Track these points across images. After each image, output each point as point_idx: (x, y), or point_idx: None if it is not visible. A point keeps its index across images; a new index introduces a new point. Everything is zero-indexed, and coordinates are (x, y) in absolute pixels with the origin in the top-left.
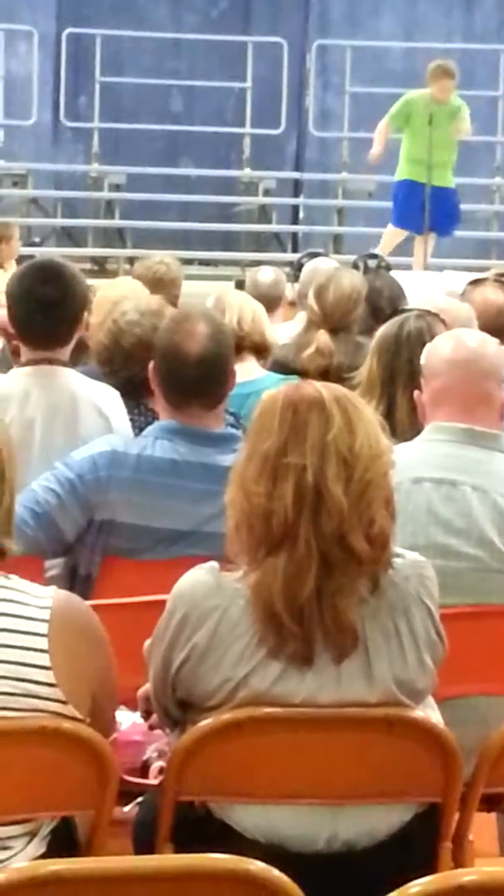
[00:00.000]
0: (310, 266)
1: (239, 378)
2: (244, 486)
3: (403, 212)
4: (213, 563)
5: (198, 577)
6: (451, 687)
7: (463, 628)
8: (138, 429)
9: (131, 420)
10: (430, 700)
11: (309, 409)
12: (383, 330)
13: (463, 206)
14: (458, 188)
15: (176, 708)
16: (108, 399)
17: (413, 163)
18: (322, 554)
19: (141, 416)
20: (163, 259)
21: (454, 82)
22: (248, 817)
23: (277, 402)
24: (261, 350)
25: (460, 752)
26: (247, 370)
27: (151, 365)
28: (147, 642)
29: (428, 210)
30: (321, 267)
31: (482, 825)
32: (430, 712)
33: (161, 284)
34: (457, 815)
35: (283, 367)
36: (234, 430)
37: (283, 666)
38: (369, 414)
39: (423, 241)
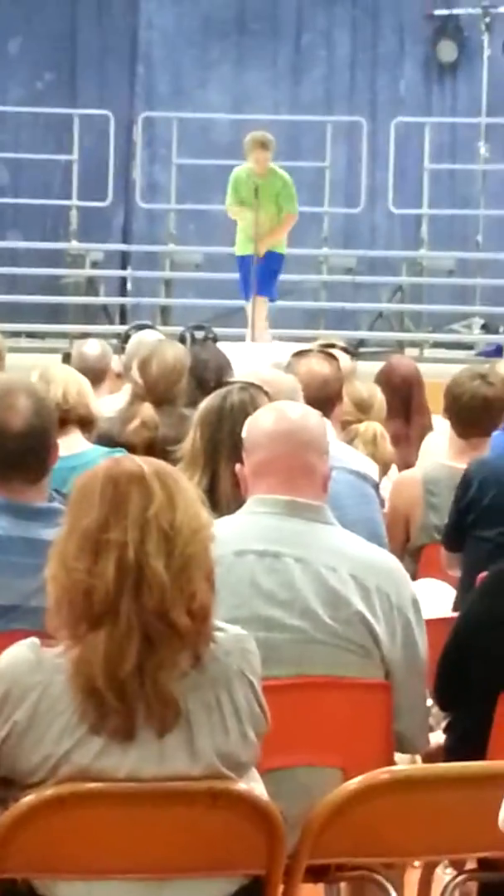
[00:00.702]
0: (135, 339)
1: (64, 451)
2: (64, 561)
3: (245, 285)
4: (34, 640)
5: (18, 653)
6: (274, 758)
7: (287, 700)
8: None
9: None
10: (254, 772)
11: (129, 484)
12: (206, 403)
13: (291, 277)
14: (287, 258)
15: None
16: None
17: (247, 237)
18: (143, 629)
19: None
20: None
21: (268, 153)
22: (72, 894)
23: (97, 477)
24: (86, 423)
25: (283, 824)
26: (72, 443)
27: None
28: None
29: (254, 276)
30: (146, 339)
31: None
32: (253, 785)
33: None
34: (281, 887)
35: (109, 441)
36: (57, 505)
37: (104, 741)
38: (189, 488)
39: (252, 307)
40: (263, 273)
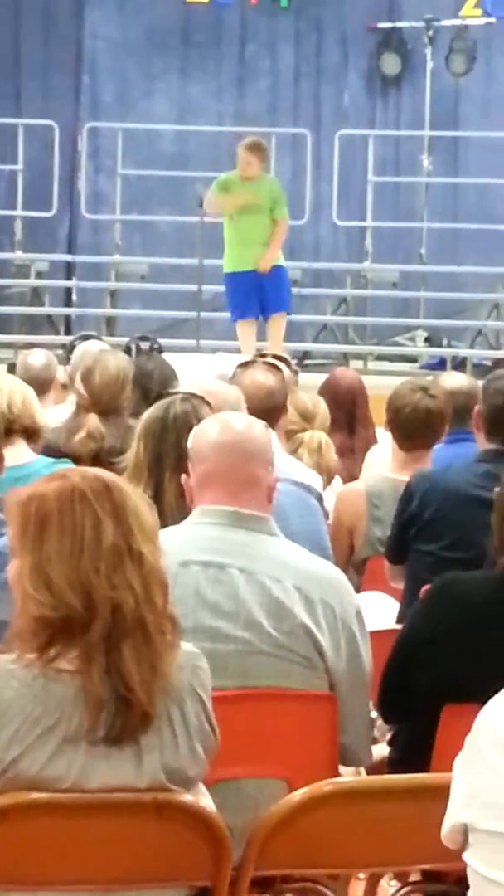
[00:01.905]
0: (79, 349)
1: (9, 462)
2: (28, 589)
3: (235, 302)
4: None
5: None
6: (219, 770)
7: (231, 711)
8: None
9: None
10: (201, 787)
11: (83, 506)
12: (149, 413)
13: None
14: None
15: None
16: None
17: (232, 258)
18: (116, 644)
19: None
20: None
21: (257, 157)
22: None
23: (51, 500)
24: (31, 433)
25: (229, 836)
26: (17, 454)
27: None
28: None
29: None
30: (90, 350)
31: None
32: (200, 798)
33: None
34: None
35: (55, 451)
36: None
37: (56, 749)
38: (141, 499)
39: (253, 324)
40: (280, 287)
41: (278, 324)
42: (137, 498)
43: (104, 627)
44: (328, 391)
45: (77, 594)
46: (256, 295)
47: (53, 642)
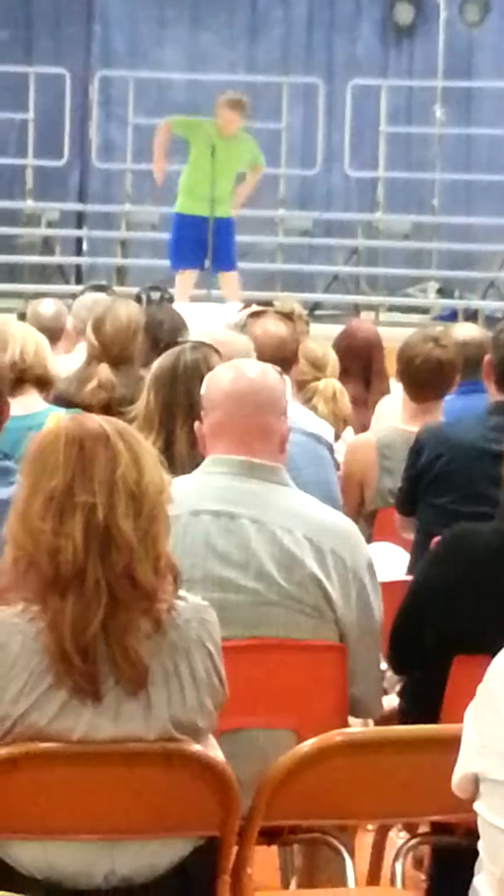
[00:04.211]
0: (84, 298)
1: (19, 411)
2: (28, 522)
3: (181, 249)
4: None
5: None
6: (228, 719)
7: (240, 661)
8: None
9: None
10: (211, 739)
11: (94, 445)
12: (159, 363)
13: (247, 238)
14: (243, 220)
15: None
16: None
17: (189, 196)
18: (110, 591)
19: None
20: None
21: (238, 115)
22: (26, 854)
23: (60, 438)
24: (43, 383)
25: (237, 786)
26: (28, 403)
27: None
28: None
29: (211, 245)
30: (99, 299)
31: (265, 859)
32: (209, 749)
33: None
34: (235, 849)
35: (66, 401)
36: (8, 463)
37: (61, 703)
38: (150, 448)
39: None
40: (228, 243)
41: (232, 283)
42: (149, 446)
43: (103, 565)
44: (345, 343)
45: (82, 526)
46: (198, 245)
47: (48, 592)
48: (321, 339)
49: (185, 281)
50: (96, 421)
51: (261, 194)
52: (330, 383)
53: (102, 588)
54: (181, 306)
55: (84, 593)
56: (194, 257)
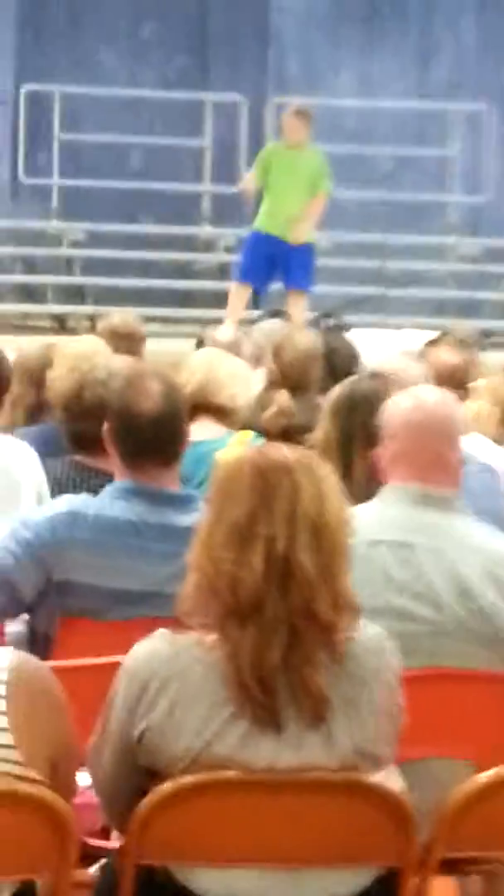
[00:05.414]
0: (261, 325)
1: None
2: (210, 550)
3: (247, 265)
4: (164, 630)
5: (153, 646)
6: (407, 749)
7: (419, 691)
8: (71, 483)
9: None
10: (392, 768)
11: (278, 476)
12: (336, 392)
13: (417, 265)
14: (410, 247)
15: (128, 793)
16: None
17: (264, 214)
18: (289, 623)
19: (71, 471)
20: (126, 317)
21: (302, 123)
22: (209, 881)
23: (245, 467)
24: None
25: (416, 817)
26: (205, 430)
27: (106, 425)
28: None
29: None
30: (273, 325)
31: (446, 890)
32: (391, 778)
33: (126, 342)
34: (416, 880)
35: (247, 427)
36: (192, 491)
37: (243, 732)
38: (333, 479)
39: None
40: (304, 265)
41: (300, 302)
42: (333, 476)
43: (282, 597)
44: None
45: (262, 557)
46: (268, 264)
47: (227, 621)
48: (491, 369)
49: (237, 293)
50: (281, 451)
51: (429, 220)
52: None
53: (281, 621)
54: (358, 332)
55: (263, 625)
56: (254, 272)
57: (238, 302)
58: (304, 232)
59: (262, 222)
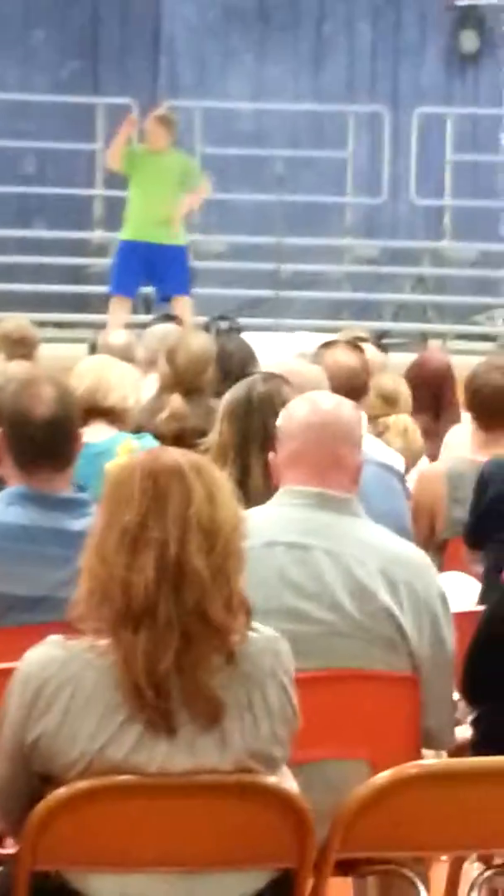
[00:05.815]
0: (153, 329)
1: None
2: (103, 555)
3: (120, 277)
4: (56, 637)
5: (45, 652)
6: (303, 751)
7: (314, 693)
8: None
9: None
10: (285, 770)
11: (169, 479)
12: (231, 394)
13: (313, 267)
14: (306, 249)
15: (23, 799)
16: None
17: (132, 222)
18: (182, 626)
19: None
20: (19, 322)
21: (165, 129)
22: (104, 886)
23: (136, 472)
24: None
25: (312, 818)
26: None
27: None
28: None
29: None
30: (166, 329)
31: (341, 891)
32: (284, 780)
33: (20, 347)
34: (311, 881)
35: (138, 431)
36: (83, 495)
37: (137, 736)
38: (225, 481)
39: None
40: (179, 271)
41: (182, 306)
42: (225, 479)
43: (175, 601)
44: (415, 373)
45: (154, 561)
46: (143, 270)
47: (120, 625)
48: (392, 372)
49: (117, 306)
50: (172, 455)
51: (327, 223)
52: (401, 419)
53: (174, 624)
54: (253, 335)
55: (156, 629)
56: (130, 283)
57: (120, 313)
58: (190, 203)
59: (131, 231)
